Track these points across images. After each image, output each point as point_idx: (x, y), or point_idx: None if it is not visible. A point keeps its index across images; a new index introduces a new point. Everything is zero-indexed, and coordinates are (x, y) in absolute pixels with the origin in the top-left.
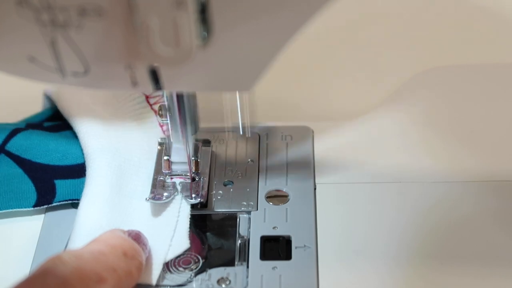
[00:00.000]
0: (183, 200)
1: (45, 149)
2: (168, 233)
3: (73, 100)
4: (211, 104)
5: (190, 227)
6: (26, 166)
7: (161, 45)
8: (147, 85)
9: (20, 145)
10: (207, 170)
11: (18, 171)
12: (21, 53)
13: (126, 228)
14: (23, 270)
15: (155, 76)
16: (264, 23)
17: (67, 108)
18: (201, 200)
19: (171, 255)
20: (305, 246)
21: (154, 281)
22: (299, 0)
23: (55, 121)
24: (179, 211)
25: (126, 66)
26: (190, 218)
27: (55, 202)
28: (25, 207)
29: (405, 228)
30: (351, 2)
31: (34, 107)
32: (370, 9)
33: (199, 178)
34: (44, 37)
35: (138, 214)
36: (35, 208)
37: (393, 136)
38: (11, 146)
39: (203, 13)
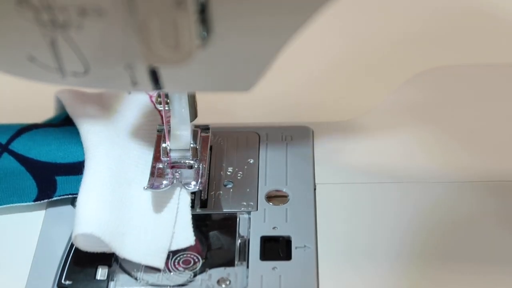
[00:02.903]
0: (183, 188)
1: (47, 148)
2: (170, 218)
3: (79, 101)
4: (211, 104)
5: None
6: (28, 164)
7: (161, 45)
8: (147, 85)
9: (24, 144)
10: (207, 157)
11: (21, 168)
12: (21, 53)
13: (125, 214)
14: (24, 266)
15: (155, 76)
16: (264, 23)
17: (74, 108)
18: (200, 188)
19: (175, 246)
20: (305, 246)
21: (162, 265)
22: (299, 0)
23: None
24: (179, 198)
25: (126, 66)
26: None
27: (56, 197)
28: (26, 202)
29: (406, 228)
30: (351, 2)
31: (46, 109)
32: (370, 9)
33: (198, 165)
34: (44, 37)
35: (137, 200)
36: (36, 202)
37: (393, 136)
38: (15, 146)
39: (203, 13)
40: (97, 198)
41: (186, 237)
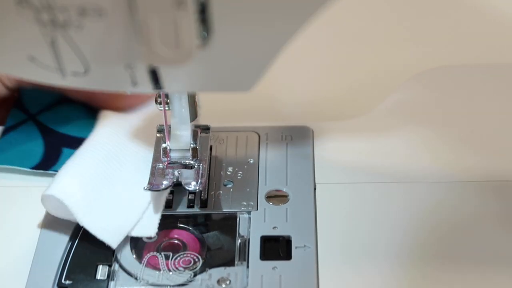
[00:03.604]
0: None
1: (66, 121)
2: (143, 205)
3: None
4: (212, 104)
5: (189, 227)
6: (47, 133)
7: (161, 45)
8: (147, 85)
9: (50, 117)
10: (207, 157)
11: (38, 135)
12: (21, 53)
13: (101, 189)
14: (24, 266)
15: (155, 76)
16: (264, 23)
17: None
18: (200, 188)
19: (136, 232)
20: (305, 246)
21: (114, 245)
22: (299, 0)
23: None
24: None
25: (126, 66)
26: (190, 218)
27: (52, 170)
28: (24, 167)
29: (406, 228)
30: (351, 2)
31: None
32: (370, 9)
33: (198, 165)
34: (44, 37)
35: (121, 181)
36: (33, 170)
37: (393, 136)
38: (41, 117)
39: (203, 13)
40: (79, 167)
41: (149, 226)
